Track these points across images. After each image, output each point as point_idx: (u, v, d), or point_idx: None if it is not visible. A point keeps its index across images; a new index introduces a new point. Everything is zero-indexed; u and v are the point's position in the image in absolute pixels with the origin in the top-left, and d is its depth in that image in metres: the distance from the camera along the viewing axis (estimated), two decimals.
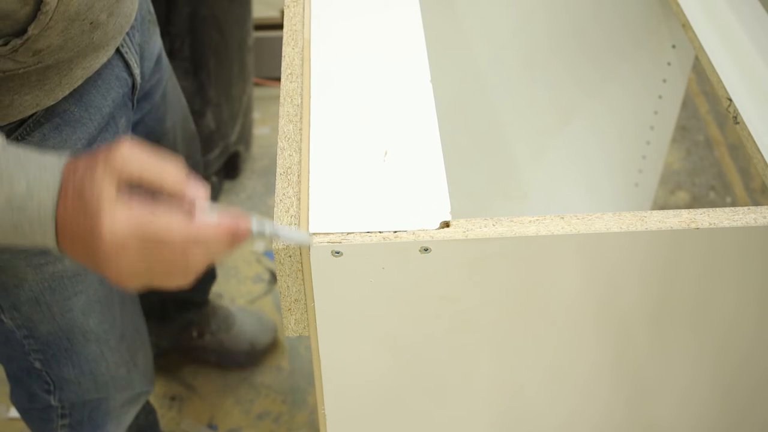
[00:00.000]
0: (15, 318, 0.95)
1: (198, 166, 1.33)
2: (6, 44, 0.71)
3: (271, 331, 1.66)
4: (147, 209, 0.62)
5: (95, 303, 0.98)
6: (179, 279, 0.65)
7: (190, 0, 1.65)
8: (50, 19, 0.71)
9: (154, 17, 1.07)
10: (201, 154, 1.38)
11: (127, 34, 0.93)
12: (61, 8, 0.72)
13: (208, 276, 1.56)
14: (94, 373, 1.05)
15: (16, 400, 1.09)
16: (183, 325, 1.59)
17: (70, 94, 0.84)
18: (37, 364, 1.02)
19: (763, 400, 0.87)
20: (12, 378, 1.07)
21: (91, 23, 0.78)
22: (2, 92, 0.77)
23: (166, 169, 0.63)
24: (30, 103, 0.80)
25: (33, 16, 0.70)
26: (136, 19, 0.97)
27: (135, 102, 0.98)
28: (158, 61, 1.08)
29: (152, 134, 1.12)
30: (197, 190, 0.63)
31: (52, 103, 0.82)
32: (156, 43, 1.07)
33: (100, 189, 0.61)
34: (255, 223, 0.64)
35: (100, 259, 0.62)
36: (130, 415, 1.17)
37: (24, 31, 0.71)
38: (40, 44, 0.73)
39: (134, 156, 0.62)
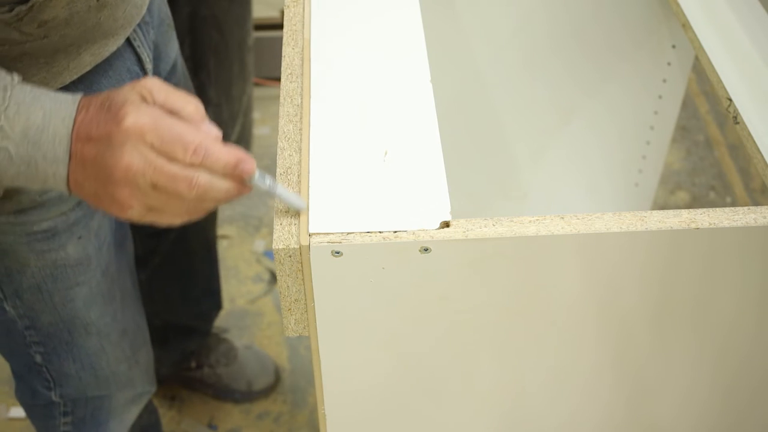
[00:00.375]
0: (17, 306, 0.95)
1: None
2: (11, 11, 0.71)
3: (272, 374, 1.64)
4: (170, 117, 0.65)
5: (97, 295, 0.98)
6: (179, 206, 0.66)
7: (190, 0, 1.66)
8: None
9: (171, 22, 1.07)
10: None
11: (140, 27, 0.93)
12: None
13: (213, 304, 1.56)
14: (95, 367, 1.05)
15: (20, 397, 1.10)
16: (183, 354, 1.57)
17: (80, 81, 0.84)
18: (38, 359, 1.02)
19: (763, 400, 0.87)
20: (15, 374, 1.07)
21: (98, 0, 0.78)
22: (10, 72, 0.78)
23: (189, 101, 0.66)
24: (37, 85, 0.80)
25: None
26: (152, 17, 0.97)
27: None
28: (174, 66, 1.08)
29: None
30: (213, 128, 0.67)
31: (59, 86, 0.82)
32: (173, 48, 1.07)
33: (125, 97, 0.64)
34: (258, 172, 0.66)
35: (113, 156, 0.63)
36: (132, 414, 1.17)
37: None
38: (45, 15, 0.73)
39: (161, 85, 0.66)
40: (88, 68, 0.84)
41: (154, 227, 1.27)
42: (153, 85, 0.66)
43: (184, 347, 1.56)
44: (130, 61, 0.92)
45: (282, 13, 2.15)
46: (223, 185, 0.66)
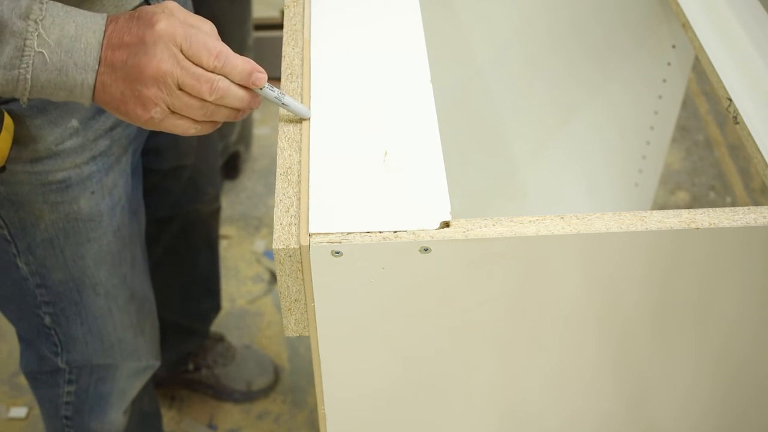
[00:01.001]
0: (30, 263, 0.97)
1: (213, 177, 1.34)
2: None
3: (271, 374, 1.64)
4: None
5: (107, 254, 1.00)
6: (198, 110, 0.73)
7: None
8: None
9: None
10: None
11: None
12: None
13: (212, 305, 1.56)
14: (101, 332, 1.06)
15: (25, 365, 1.11)
16: (180, 356, 1.57)
17: None
18: (47, 320, 1.03)
19: (764, 401, 0.87)
20: (23, 340, 1.09)
21: None
22: None
23: (206, 21, 0.75)
24: None
25: None
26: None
27: None
28: None
29: (171, 142, 1.13)
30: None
31: None
32: None
33: (153, 10, 0.71)
34: (267, 84, 0.75)
35: (146, 55, 0.70)
36: (134, 389, 1.18)
37: None
38: None
39: (180, 7, 0.73)
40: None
41: (160, 211, 1.28)
42: (174, 6, 0.73)
43: (181, 348, 1.56)
44: None
45: (282, 13, 2.15)
46: (238, 92, 0.73)
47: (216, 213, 1.43)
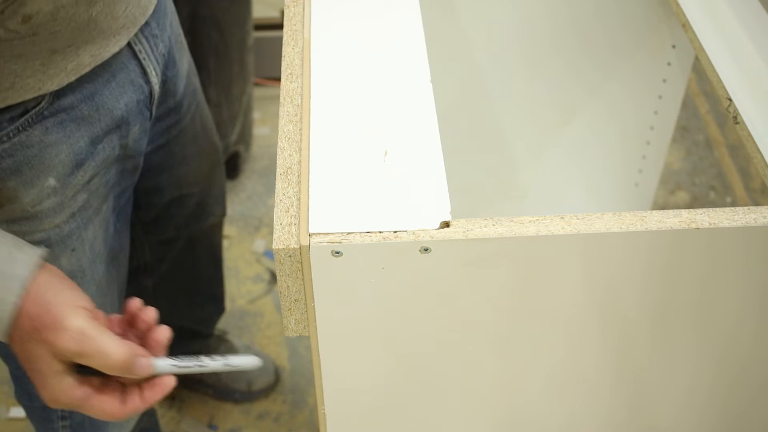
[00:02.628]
0: None
1: (221, 197, 1.32)
2: None
3: (271, 374, 1.64)
4: (84, 398, 0.68)
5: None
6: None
7: (190, 0, 1.66)
8: None
9: (184, 40, 1.06)
10: None
11: (147, 39, 0.91)
12: None
13: (216, 308, 1.55)
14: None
15: (18, 398, 1.10)
16: (184, 355, 1.57)
17: (80, 90, 0.83)
18: None
19: (765, 401, 0.87)
20: (14, 376, 1.07)
21: None
22: (3, 74, 0.76)
23: (108, 357, 0.66)
24: (32, 86, 0.78)
25: None
26: (162, 29, 0.95)
27: (153, 111, 0.97)
28: (187, 84, 1.07)
29: (173, 159, 1.12)
30: (141, 369, 0.69)
31: (57, 88, 0.81)
32: (184, 65, 1.06)
33: (44, 368, 0.66)
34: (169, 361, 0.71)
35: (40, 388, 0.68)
36: (131, 422, 1.17)
37: None
38: (28, 8, 0.71)
39: (80, 353, 0.66)
40: (88, 69, 0.83)
41: (165, 234, 1.27)
42: (69, 351, 0.66)
43: (185, 350, 1.55)
44: (134, 74, 0.90)
45: (282, 13, 2.16)
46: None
47: (220, 223, 1.43)
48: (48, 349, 0.65)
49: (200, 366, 0.69)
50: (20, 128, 0.80)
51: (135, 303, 0.74)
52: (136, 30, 0.88)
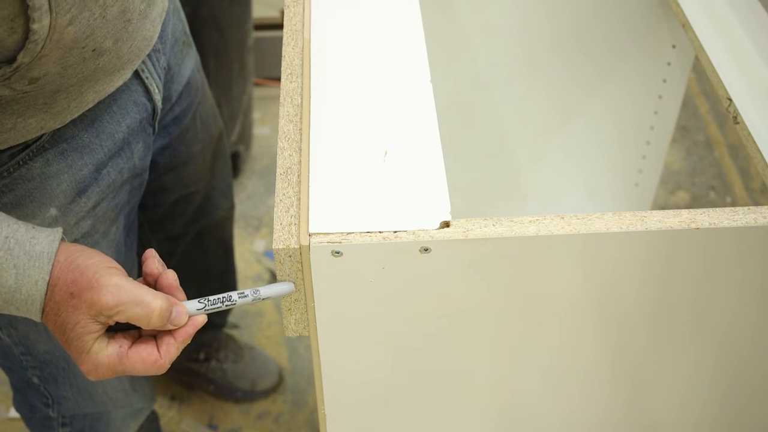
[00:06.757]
0: (12, 335, 0.94)
1: (227, 190, 1.32)
2: None
3: (275, 375, 1.64)
4: (122, 353, 0.67)
5: None
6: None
7: (190, 0, 1.66)
8: (42, 48, 0.67)
9: (189, 38, 1.04)
10: None
11: (149, 57, 0.89)
12: (54, 37, 0.67)
13: None
14: (92, 393, 1.04)
15: (18, 408, 1.09)
16: (195, 344, 1.57)
17: (80, 119, 0.82)
18: (35, 380, 1.01)
19: (762, 399, 0.87)
20: (14, 387, 1.07)
21: (94, 50, 0.73)
22: (5, 115, 0.74)
23: (148, 306, 0.66)
24: (34, 126, 0.77)
25: (22, 45, 0.65)
26: (163, 42, 0.93)
27: (156, 126, 0.96)
28: (188, 84, 1.05)
29: (179, 159, 1.11)
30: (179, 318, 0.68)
31: (59, 126, 0.79)
32: (188, 66, 1.04)
33: (82, 332, 0.66)
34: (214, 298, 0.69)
35: (77, 360, 0.68)
36: (131, 429, 1.17)
37: (14, 59, 0.66)
38: (35, 72, 0.70)
39: (118, 306, 0.65)
40: (91, 105, 0.81)
41: (173, 231, 1.27)
42: (109, 310, 0.66)
43: (196, 341, 1.55)
44: (137, 93, 0.88)
45: (282, 13, 2.16)
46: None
47: (230, 216, 1.41)
48: (86, 312, 0.65)
49: (229, 303, 0.69)
50: (21, 162, 0.79)
51: (152, 261, 0.73)
52: (140, 61, 0.86)
